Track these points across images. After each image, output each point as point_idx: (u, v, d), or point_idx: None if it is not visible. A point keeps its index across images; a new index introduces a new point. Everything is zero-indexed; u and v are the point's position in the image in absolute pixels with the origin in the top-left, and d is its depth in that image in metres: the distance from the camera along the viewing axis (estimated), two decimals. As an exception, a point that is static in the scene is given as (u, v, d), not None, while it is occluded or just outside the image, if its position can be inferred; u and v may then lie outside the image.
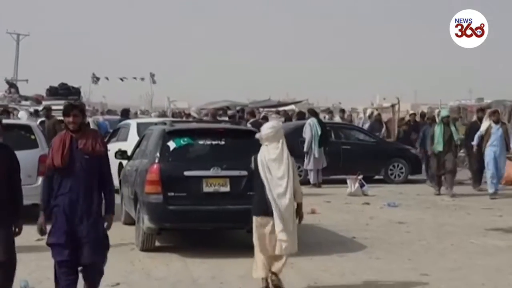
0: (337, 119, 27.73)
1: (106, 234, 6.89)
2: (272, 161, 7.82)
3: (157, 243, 10.16)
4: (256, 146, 10.16)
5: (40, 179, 11.00)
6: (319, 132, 18.40)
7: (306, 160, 18.33)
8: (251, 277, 8.12)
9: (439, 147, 16.78)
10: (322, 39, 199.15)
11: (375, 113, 24.90)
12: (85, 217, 6.65)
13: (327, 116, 27.80)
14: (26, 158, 10.25)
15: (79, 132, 6.72)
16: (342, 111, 29.97)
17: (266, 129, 8.03)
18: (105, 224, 6.85)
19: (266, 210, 7.76)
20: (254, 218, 7.93)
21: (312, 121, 18.87)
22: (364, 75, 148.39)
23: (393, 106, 31.48)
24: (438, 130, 16.92)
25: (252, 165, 8.07)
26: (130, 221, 11.24)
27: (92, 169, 6.68)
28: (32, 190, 9.94)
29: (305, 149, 18.27)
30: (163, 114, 32.22)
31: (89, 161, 6.66)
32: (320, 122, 19.00)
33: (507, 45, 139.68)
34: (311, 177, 18.29)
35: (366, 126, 23.22)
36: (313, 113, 20.04)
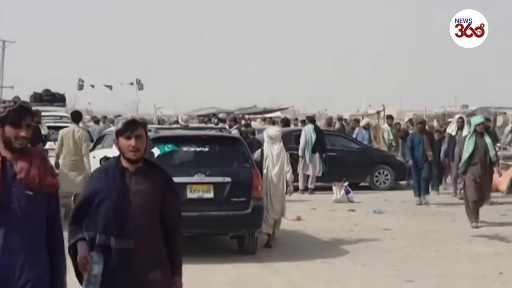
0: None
1: None
2: (275, 155, 10.74)
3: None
4: (240, 152, 10.24)
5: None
6: (313, 139, 18.45)
7: (300, 165, 18.31)
8: (237, 284, 8.24)
9: (471, 165, 13.03)
10: (309, 45, 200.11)
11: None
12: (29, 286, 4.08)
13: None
14: None
15: (19, 151, 4.11)
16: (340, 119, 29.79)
17: (274, 131, 11.20)
18: None
19: (266, 187, 10.52)
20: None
21: (307, 127, 18.98)
22: (350, 82, 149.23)
23: (378, 112, 31.65)
24: (469, 143, 13.08)
25: (258, 155, 10.75)
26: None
27: (37, 213, 4.13)
28: None
29: (299, 154, 18.32)
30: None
31: (32, 200, 4.09)
32: (316, 129, 18.99)
33: (492, 53, 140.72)
34: (300, 182, 18.20)
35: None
36: (311, 119, 20.09)
